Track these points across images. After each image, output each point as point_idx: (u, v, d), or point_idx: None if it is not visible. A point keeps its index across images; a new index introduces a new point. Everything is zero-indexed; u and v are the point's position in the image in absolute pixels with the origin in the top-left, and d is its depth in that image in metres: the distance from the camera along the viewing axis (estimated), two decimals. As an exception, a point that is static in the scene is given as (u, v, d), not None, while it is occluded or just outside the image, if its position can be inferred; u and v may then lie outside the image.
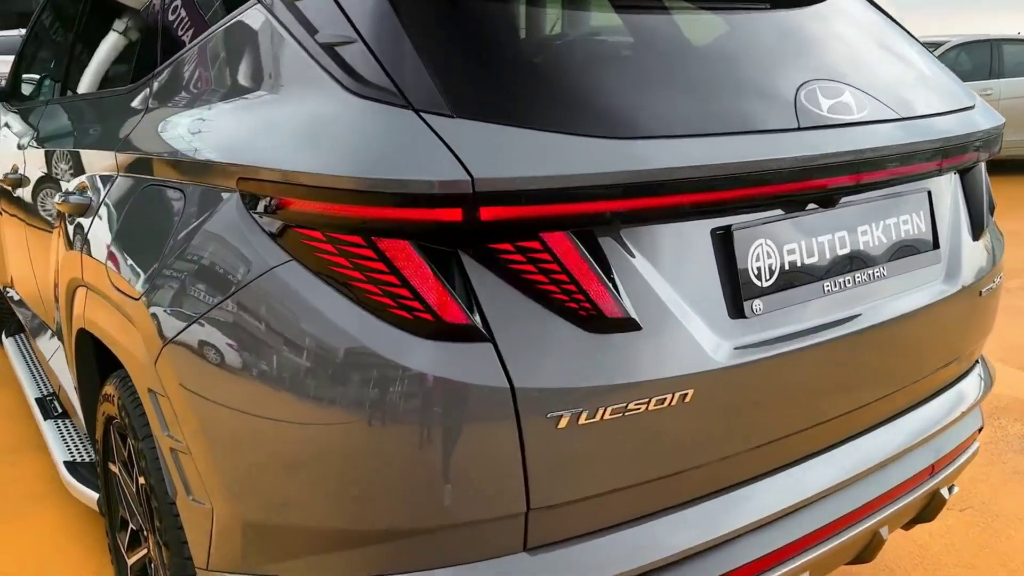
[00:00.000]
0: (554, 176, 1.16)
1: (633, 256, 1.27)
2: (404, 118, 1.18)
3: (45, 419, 2.74)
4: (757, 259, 1.38)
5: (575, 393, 1.20)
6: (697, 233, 1.34)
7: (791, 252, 1.43)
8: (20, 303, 3.26)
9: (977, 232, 1.81)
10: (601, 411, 1.22)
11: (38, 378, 3.06)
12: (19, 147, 2.89)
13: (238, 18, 1.53)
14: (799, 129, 1.39)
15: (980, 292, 1.78)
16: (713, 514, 1.40)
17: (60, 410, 2.77)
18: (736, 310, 1.36)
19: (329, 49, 1.30)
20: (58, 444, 2.55)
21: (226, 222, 1.33)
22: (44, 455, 2.76)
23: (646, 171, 1.21)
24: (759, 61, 1.51)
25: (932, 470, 1.77)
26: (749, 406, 1.38)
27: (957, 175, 1.81)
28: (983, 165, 1.89)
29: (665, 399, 1.26)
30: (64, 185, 2.18)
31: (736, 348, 1.34)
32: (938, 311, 1.65)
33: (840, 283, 1.49)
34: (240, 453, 1.30)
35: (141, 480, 1.66)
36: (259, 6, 1.47)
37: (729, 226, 1.35)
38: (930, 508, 1.83)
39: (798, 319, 1.43)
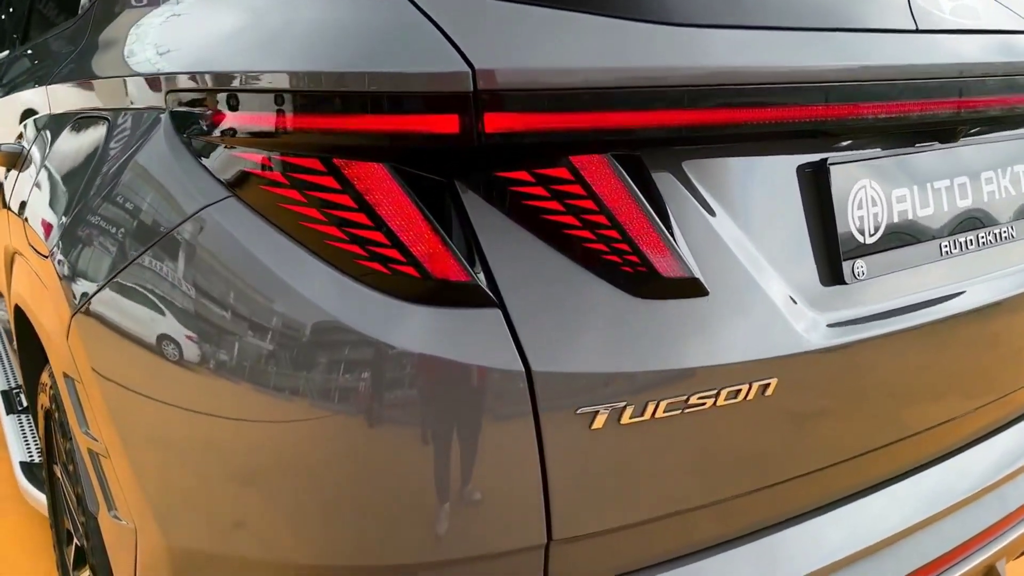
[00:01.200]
0: (589, 70, 0.82)
1: (698, 196, 0.93)
2: None
3: (7, 414, 2.44)
4: (859, 207, 1.03)
5: (616, 380, 0.86)
6: (779, 170, 1.00)
7: (901, 200, 1.08)
8: None
9: None
10: (652, 406, 0.87)
11: (7, 370, 2.77)
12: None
13: None
14: (916, 31, 1.04)
15: None
16: (790, 550, 1.05)
17: (25, 405, 2.47)
18: (832, 274, 1.01)
19: None
20: (17, 442, 2.25)
21: (152, 152, 1.01)
22: (5, 455, 2.47)
23: (718, 71, 0.87)
24: None
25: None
26: (847, 403, 1.03)
27: None
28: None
29: (739, 391, 0.92)
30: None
31: (832, 325, 0.99)
32: None
33: (961, 244, 1.14)
34: (164, 458, 0.98)
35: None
36: None
37: (824, 160, 1.01)
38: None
39: (911, 288, 1.08)
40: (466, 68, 0.78)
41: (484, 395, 0.83)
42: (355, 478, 0.85)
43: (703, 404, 0.90)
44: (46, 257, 1.17)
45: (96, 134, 1.18)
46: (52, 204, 1.25)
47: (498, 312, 0.83)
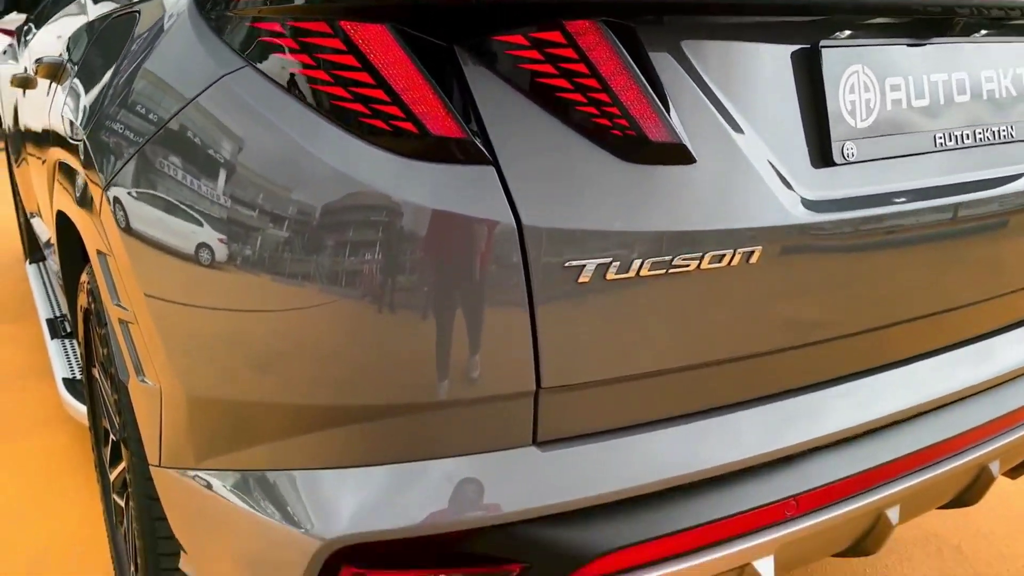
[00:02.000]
0: None
1: (693, 72, 0.97)
2: None
3: (52, 338, 2.57)
4: (851, 91, 1.06)
5: (603, 237, 0.91)
6: (775, 55, 1.04)
7: (895, 88, 1.10)
8: (39, 225, 3.11)
9: None
10: (637, 264, 0.92)
11: (52, 300, 2.90)
12: (28, 45, 2.71)
13: None
14: None
15: None
16: (774, 422, 1.09)
17: (68, 330, 2.60)
18: (822, 155, 1.05)
19: None
20: (60, 362, 2.37)
21: (176, 34, 1.08)
22: (51, 384, 2.61)
23: None
24: None
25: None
26: (833, 280, 1.06)
27: None
28: None
29: (724, 256, 0.96)
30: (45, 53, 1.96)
31: (820, 201, 1.03)
32: None
33: (957, 137, 1.16)
34: (185, 312, 1.05)
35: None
36: None
37: (817, 43, 1.04)
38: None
39: (902, 174, 1.11)
40: None
41: (477, 245, 0.89)
42: (361, 322, 0.91)
43: (687, 266, 0.95)
44: (79, 141, 1.25)
45: (127, 28, 1.25)
46: (87, 95, 1.33)
47: (492, 169, 0.89)
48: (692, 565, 1.05)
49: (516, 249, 0.89)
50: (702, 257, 0.95)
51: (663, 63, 0.95)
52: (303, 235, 0.91)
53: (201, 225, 0.99)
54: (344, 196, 0.90)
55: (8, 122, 3.18)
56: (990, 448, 1.30)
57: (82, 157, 1.26)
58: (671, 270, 0.94)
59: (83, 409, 2.03)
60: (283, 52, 0.92)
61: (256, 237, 0.94)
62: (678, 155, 0.94)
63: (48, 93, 1.76)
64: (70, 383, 2.22)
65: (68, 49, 1.66)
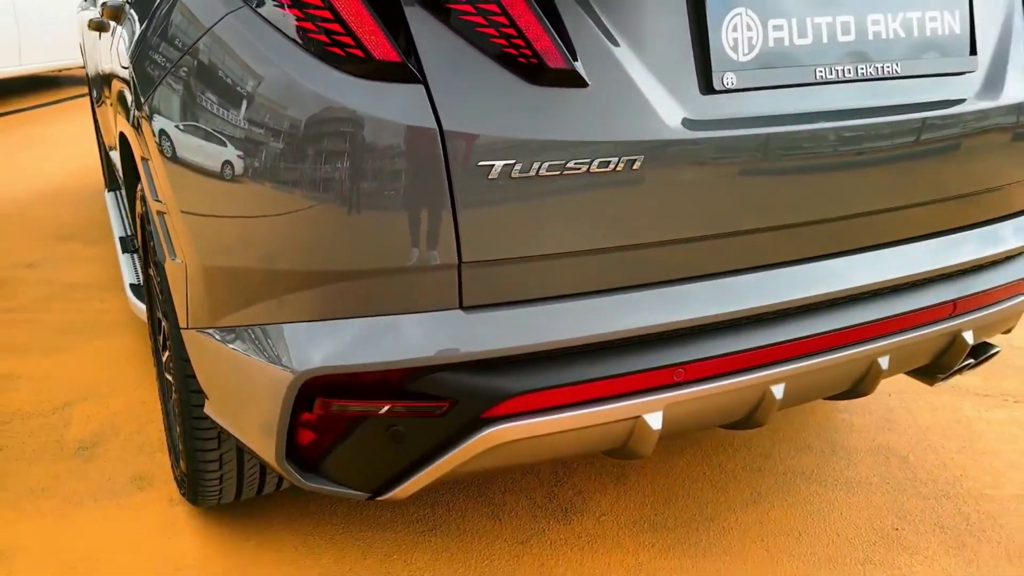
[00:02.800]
0: None
1: (591, 9, 1.21)
2: None
3: (123, 253, 2.95)
4: (734, 29, 1.29)
5: (508, 143, 1.17)
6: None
7: (778, 28, 1.32)
8: (114, 157, 3.50)
9: None
10: (536, 166, 1.18)
11: (124, 221, 3.29)
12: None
13: None
14: None
15: None
16: (664, 303, 1.34)
17: (135, 247, 2.97)
18: (706, 83, 1.28)
19: None
20: (128, 271, 2.75)
21: None
22: (120, 295, 3.00)
23: None
24: None
25: (952, 309, 1.63)
26: (713, 188, 1.30)
27: None
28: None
29: (610, 163, 1.21)
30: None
31: (700, 120, 1.27)
32: (964, 125, 1.50)
33: (837, 71, 1.37)
34: (198, 201, 1.35)
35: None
36: None
37: None
38: (950, 353, 1.69)
39: (780, 102, 1.33)
40: None
41: (409, 146, 1.16)
42: (317, 201, 1.19)
43: (578, 169, 1.20)
44: (127, 69, 1.57)
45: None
46: (136, 31, 1.64)
47: (422, 87, 1.15)
48: (591, 411, 1.32)
49: (439, 150, 1.15)
50: (591, 163, 1.20)
51: (565, 4, 1.19)
52: (280, 135, 1.20)
53: (209, 131, 1.29)
54: (311, 106, 1.18)
55: (90, 65, 3.55)
56: (875, 345, 1.52)
57: (130, 83, 1.58)
58: (565, 172, 1.19)
59: (143, 307, 2.40)
60: (272, -4, 1.20)
61: (249, 138, 1.23)
62: (572, 80, 1.19)
63: (112, 33, 2.08)
64: (135, 288, 2.60)
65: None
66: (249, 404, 1.38)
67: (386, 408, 1.27)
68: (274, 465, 1.37)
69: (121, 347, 2.85)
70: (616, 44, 1.22)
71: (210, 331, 1.42)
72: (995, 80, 1.54)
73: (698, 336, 1.38)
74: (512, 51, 1.17)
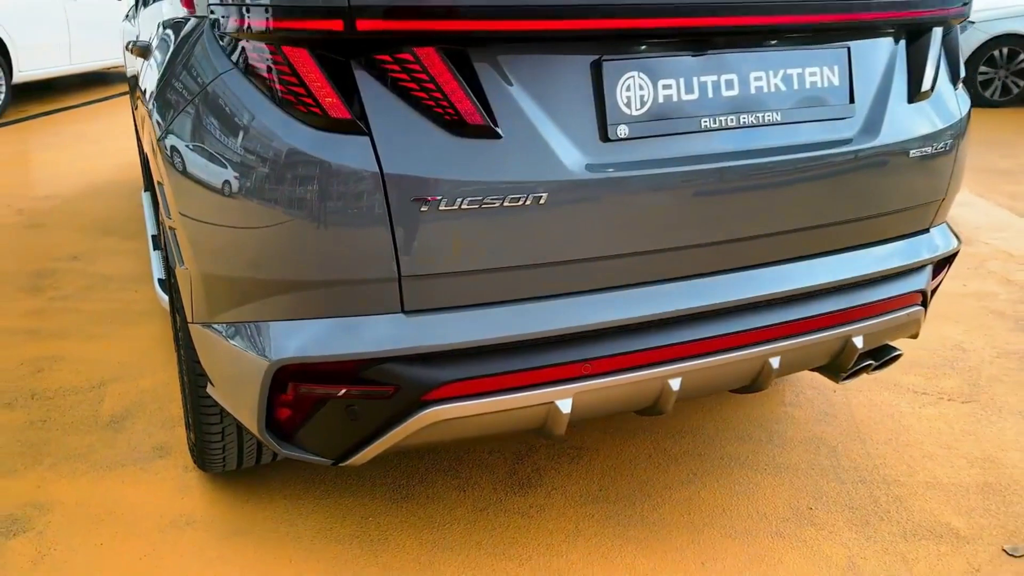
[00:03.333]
0: None
1: (506, 76, 1.50)
2: None
3: (154, 250, 3.31)
4: (627, 89, 1.57)
5: (436, 183, 1.47)
6: (577, 64, 1.55)
7: (667, 87, 1.60)
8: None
9: (914, 95, 1.86)
10: (459, 201, 1.48)
11: (156, 221, 3.66)
12: (140, 18, 3.41)
13: None
14: None
15: (908, 153, 1.85)
16: (573, 308, 1.63)
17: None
18: (603, 134, 1.57)
19: None
20: (157, 266, 3.10)
21: (203, 40, 1.68)
22: (151, 286, 3.36)
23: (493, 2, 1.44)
24: None
25: (839, 318, 1.89)
26: (610, 217, 1.58)
27: (903, 39, 1.87)
28: (939, 32, 1.92)
29: (520, 199, 1.51)
30: (141, 35, 2.63)
31: (596, 164, 1.55)
32: (845, 162, 1.76)
33: (721, 121, 1.64)
34: (196, 220, 1.68)
35: None
36: None
37: (600, 58, 1.55)
38: (842, 356, 1.95)
39: (668, 148, 1.61)
40: None
41: (358, 184, 1.46)
42: (287, 226, 1.51)
43: (494, 204, 1.50)
44: (150, 105, 1.90)
45: (177, 31, 1.87)
46: (155, 74, 1.97)
47: (368, 138, 1.46)
48: (511, 397, 1.62)
49: (381, 189, 1.46)
50: (504, 199, 1.50)
51: (484, 72, 1.49)
52: (259, 174, 1.51)
53: (206, 166, 1.61)
54: (282, 151, 1.49)
55: (129, 71, 3.90)
56: (765, 348, 1.80)
57: (151, 115, 1.91)
58: (483, 206, 1.49)
59: (167, 299, 2.75)
60: (251, 61, 1.52)
61: (235, 174, 1.55)
62: (488, 133, 1.48)
63: (141, 66, 2.42)
64: (162, 282, 2.95)
65: (151, 36, 2.31)
66: (239, 386, 1.70)
67: (343, 391, 1.59)
68: (258, 435, 1.69)
69: (150, 334, 3.22)
70: (526, 103, 1.51)
71: (209, 325, 1.75)
72: (873, 124, 1.80)
73: (604, 336, 1.67)
74: (439, 111, 1.47)
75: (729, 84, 1.65)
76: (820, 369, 2.05)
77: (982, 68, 8.44)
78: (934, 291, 2.28)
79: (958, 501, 2.26)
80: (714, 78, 1.64)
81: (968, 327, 3.35)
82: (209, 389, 1.89)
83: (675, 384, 1.74)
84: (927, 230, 2.05)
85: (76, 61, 8.65)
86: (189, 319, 1.84)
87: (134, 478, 2.31)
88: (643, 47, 1.58)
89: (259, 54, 1.50)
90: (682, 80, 1.61)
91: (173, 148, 1.71)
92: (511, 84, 1.51)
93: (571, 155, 1.54)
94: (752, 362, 1.82)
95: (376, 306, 1.56)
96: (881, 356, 2.12)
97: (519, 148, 1.51)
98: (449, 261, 1.53)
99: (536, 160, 1.52)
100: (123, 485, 2.28)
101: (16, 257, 4.10)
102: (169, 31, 2.01)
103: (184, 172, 1.67)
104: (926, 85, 1.88)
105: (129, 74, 3.72)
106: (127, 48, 3.57)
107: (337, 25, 1.42)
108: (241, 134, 1.54)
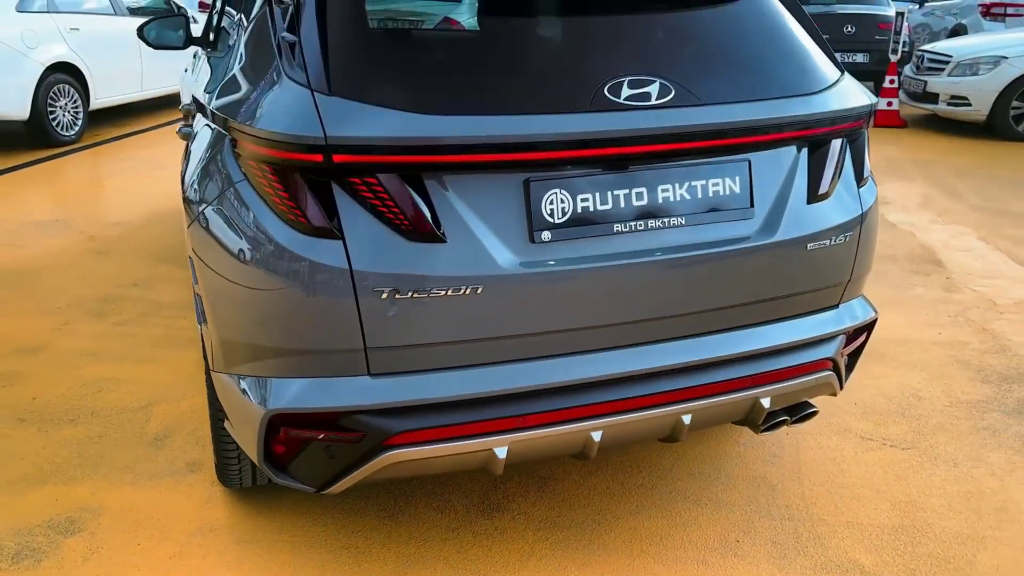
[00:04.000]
0: (381, 137, 1.82)
1: (452, 193, 1.90)
2: (304, 95, 1.88)
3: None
4: (551, 202, 1.96)
5: (393, 277, 1.88)
6: (510, 183, 1.95)
7: (585, 200, 1.98)
8: None
9: (813, 197, 2.20)
10: (411, 291, 1.89)
11: None
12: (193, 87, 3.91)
13: (259, 13, 2.30)
14: (589, 111, 1.93)
15: (807, 246, 2.19)
16: (509, 374, 2.02)
17: None
18: (531, 237, 1.96)
19: (283, 43, 2.02)
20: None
21: (224, 153, 2.12)
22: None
23: (437, 138, 1.84)
24: (581, 57, 2.04)
25: (749, 382, 2.23)
26: (539, 303, 1.97)
27: (805, 148, 2.21)
28: (839, 142, 2.25)
29: (461, 289, 1.91)
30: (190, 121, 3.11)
31: (525, 262, 1.94)
32: (744, 257, 2.11)
33: (631, 226, 2.02)
34: (213, 295, 2.12)
35: None
36: (267, 6, 2.22)
37: (528, 178, 1.94)
38: (752, 414, 2.30)
39: (586, 248, 1.99)
40: (323, 134, 1.81)
41: (332, 278, 1.88)
42: (279, 308, 1.93)
43: (440, 293, 1.90)
44: (184, 194, 2.36)
45: (210, 137, 2.32)
46: (190, 168, 2.43)
47: (341, 242, 1.87)
48: (456, 444, 2.02)
49: (350, 282, 1.87)
50: (448, 289, 1.90)
51: (434, 189, 1.89)
52: (260, 264, 1.94)
53: (220, 250, 2.05)
54: (277, 250, 1.91)
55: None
56: (676, 407, 2.16)
57: (185, 203, 2.36)
58: (431, 294, 1.90)
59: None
60: (257, 177, 1.95)
61: (240, 261, 1.98)
62: (435, 238, 1.89)
63: (186, 144, 2.89)
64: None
65: (193, 126, 2.78)
66: (244, 425, 2.13)
67: (322, 435, 2.01)
68: (259, 465, 2.12)
69: (193, 359, 3.71)
70: (468, 214, 1.91)
71: (224, 374, 2.19)
72: (772, 223, 2.15)
73: (536, 396, 2.05)
74: (397, 221, 1.87)
75: (639, 196, 2.02)
76: (737, 422, 2.39)
77: (1015, 103, 8.52)
78: (857, 353, 2.60)
79: (871, 540, 2.58)
80: (626, 191, 2.01)
81: (930, 376, 3.63)
82: (225, 423, 2.34)
83: (596, 436, 2.11)
84: (836, 306, 2.38)
85: (147, 88, 9.35)
86: (210, 366, 2.28)
87: (170, 489, 2.78)
88: (563, 169, 1.97)
89: (262, 173, 1.93)
90: (597, 194, 1.99)
91: (198, 236, 2.16)
92: (456, 199, 1.91)
93: (503, 255, 1.93)
94: (666, 419, 2.18)
95: (348, 370, 1.97)
96: (797, 412, 2.46)
97: (460, 249, 1.91)
98: (405, 337, 1.94)
99: (474, 259, 1.91)
100: (160, 495, 2.75)
101: (87, 283, 4.65)
102: (200, 136, 2.46)
103: (204, 256, 2.12)
104: (824, 188, 2.22)
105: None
106: (181, 109, 4.07)
107: (319, 158, 1.84)
108: (247, 233, 1.98)
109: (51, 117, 7.81)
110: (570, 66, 2.02)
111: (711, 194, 2.09)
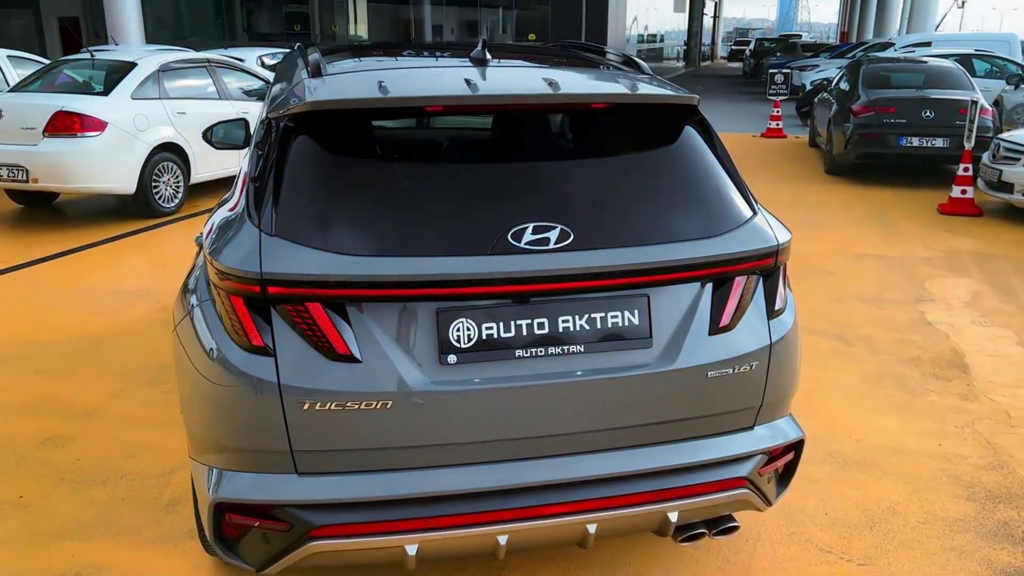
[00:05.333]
0: (305, 274, 2.16)
1: (369, 319, 2.21)
2: (254, 235, 2.25)
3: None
4: (457, 330, 2.23)
5: (314, 391, 2.19)
6: (422, 312, 2.24)
7: (489, 328, 2.25)
8: None
9: (715, 329, 2.39)
10: (329, 404, 2.19)
11: None
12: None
13: (249, 155, 2.71)
14: (490, 254, 2.21)
15: (707, 374, 2.37)
16: (427, 479, 2.28)
17: None
18: (438, 360, 2.23)
19: (250, 187, 2.41)
20: None
21: (200, 275, 2.51)
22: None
23: (358, 275, 2.16)
24: (491, 205, 2.32)
25: (656, 496, 2.41)
26: (444, 417, 2.24)
27: (710, 284, 2.41)
28: (743, 278, 2.44)
29: (372, 404, 2.20)
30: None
31: (433, 381, 2.22)
32: (643, 382, 2.32)
33: (533, 352, 2.26)
34: (183, 392, 2.48)
35: None
36: (253, 151, 2.63)
37: (437, 308, 2.23)
38: (660, 527, 2.46)
39: (487, 371, 2.24)
40: (259, 270, 2.16)
41: (265, 388, 2.21)
42: (221, 411, 2.28)
43: (355, 406, 2.19)
44: (177, 302, 2.76)
45: (201, 258, 2.73)
46: (185, 281, 2.83)
47: (272, 359, 2.21)
48: (371, 540, 2.28)
49: (278, 393, 2.20)
50: (361, 403, 2.19)
51: (354, 316, 2.20)
52: (211, 371, 2.29)
53: (186, 359, 2.42)
54: (223, 361, 2.26)
55: None
56: (581, 517, 2.35)
57: (173, 311, 2.77)
58: (346, 407, 2.19)
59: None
60: (217, 300, 2.32)
61: (195, 370, 2.34)
62: (351, 359, 2.19)
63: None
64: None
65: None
66: (203, 507, 2.47)
67: (258, 524, 2.32)
68: (212, 544, 2.45)
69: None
70: (382, 337, 2.21)
71: (193, 460, 2.54)
72: (671, 353, 2.35)
73: (446, 501, 2.30)
74: (319, 343, 2.19)
75: (540, 325, 2.27)
76: (655, 532, 2.55)
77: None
78: (790, 470, 2.73)
79: (795, 656, 2.65)
80: (528, 321, 2.27)
81: (913, 489, 3.63)
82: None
83: (503, 540, 2.33)
84: (751, 428, 2.53)
85: (242, 163, 10.19)
86: (188, 452, 2.64)
87: (166, 553, 3.14)
88: (470, 302, 2.25)
89: (220, 297, 2.30)
90: (501, 323, 2.26)
91: (176, 340, 2.55)
92: (373, 325, 2.22)
93: (412, 375, 2.22)
94: (571, 527, 2.38)
95: (279, 468, 2.28)
96: (716, 525, 2.60)
97: (374, 369, 2.20)
98: (326, 442, 2.24)
99: (386, 378, 2.20)
100: (158, 557, 3.11)
101: (150, 351, 5.19)
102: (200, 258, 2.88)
103: (178, 358, 2.50)
104: (726, 321, 2.40)
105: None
106: None
107: (256, 289, 2.19)
108: (205, 344, 2.34)
109: (154, 191, 8.65)
110: (479, 214, 2.32)
111: (610, 325, 2.32)
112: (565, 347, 2.29)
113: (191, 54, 10.02)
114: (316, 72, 2.68)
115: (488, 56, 2.74)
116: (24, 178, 8.03)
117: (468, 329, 2.25)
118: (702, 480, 2.46)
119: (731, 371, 2.41)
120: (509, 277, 2.21)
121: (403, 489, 2.28)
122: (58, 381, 4.71)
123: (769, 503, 2.65)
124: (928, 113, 10.44)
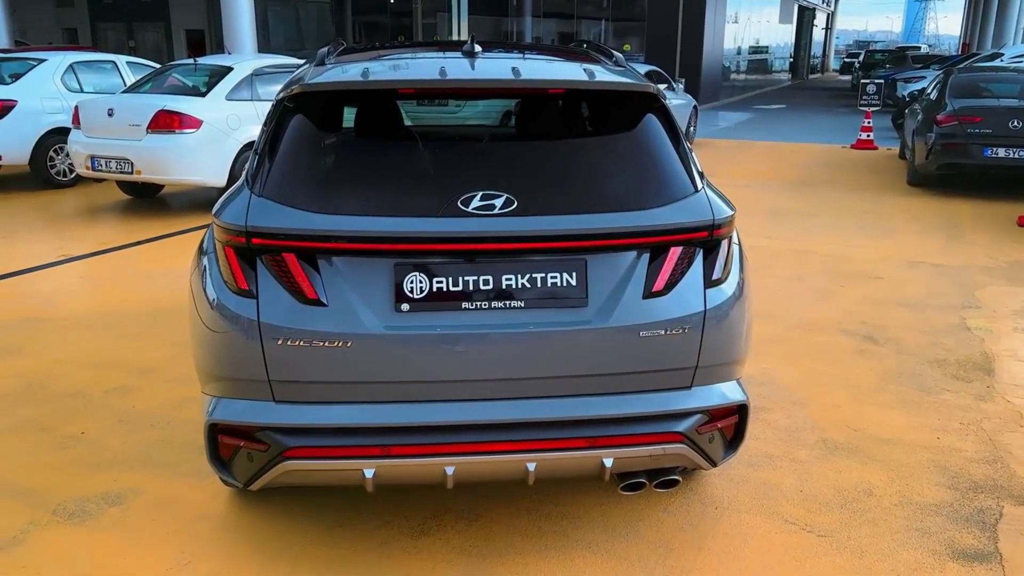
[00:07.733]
0: (281, 227, 2.54)
1: (336, 269, 2.57)
2: (246, 196, 2.65)
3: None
4: (410, 282, 2.56)
5: (287, 329, 2.56)
6: (382, 264, 2.58)
7: (439, 282, 2.56)
8: None
9: (648, 294, 2.63)
10: (299, 341, 2.56)
11: None
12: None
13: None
14: (440, 216, 2.53)
15: (639, 333, 2.62)
16: (384, 412, 2.61)
17: None
18: (394, 308, 2.57)
19: (252, 156, 2.82)
20: None
21: (211, 232, 2.94)
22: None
23: (326, 230, 2.52)
24: (446, 174, 2.63)
25: (591, 443, 2.66)
26: (398, 358, 2.57)
27: (647, 253, 2.65)
28: (679, 248, 2.66)
29: (335, 343, 2.55)
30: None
31: (388, 325, 2.56)
32: (577, 336, 2.59)
33: (478, 304, 2.57)
34: (191, 330, 2.90)
35: None
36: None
37: (393, 263, 2.56)
38: (599, 471, 2.70)
39: (437, 320, 2.56)
40: (244, 224, 2.55)
41: (246, 326, 2.60)
42: (211, 343, 2.68)
43: (320, 344, 2.55)
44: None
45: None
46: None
47: (255, 301, 2.59)
48: (335, 462, 2.64)
49: (257, 330, 2.58)
50: (326, 341, 2.54)
51: (323, 266, 2.56)
52: (209, 311, 2.70)
53: (194, 299, 2.84)
54: (218, 302, 2.67)
55: None
56: (521, 456, 2.63)
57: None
58: (313, 343, 2.55)
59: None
60: (217, 250, 2.73)
61: (200, 309, 2.75)
62: (318, 303, 2.55)
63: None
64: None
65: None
66: (202, 432, 2.88)
67: (242, 444, 2.71)
68: (209, 462, 2.85)
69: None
70: (347, 285, 2.56)
71: (202, 392, 2.95)
72: (605, 313, 2.60)
73: (400, 432, 2.63)
74: (292, 288, 2.56)
75: (486, 282, 2.57)
76: (597, 477, 2.79)
77: None
78: (737, 433, 2.92)
79: (730, 606, 2.84)
80: (474, 278, 2.57)
81: (896, 476, 3.71)
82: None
83: (450, 471, 2.64)
84: (688, 387, 2.75)
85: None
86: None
87: (193, 485, 3.58)
88: (423, 259, 2.57)
89: (218, 248, 2.71)
90: (450, 278, 2.57)
91: (190, 288, 2.99)
92: (339, 274, 2.57)
93: (370, 319, 2.56)
94: (512, 464, 2.66)
95: (260, 395, 2.67)
96: (657, 476, 2.83)
97: (338, 313, 2.56)
98: (297, 374, 2.61)
99: (347, 321, 2.55)
100: (184, 488, 3.56)
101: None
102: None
103: (189, 302, 2.93)
104: (659, 286, 2.64)
105: None
106: None
107: (242, 240, 2.59)
108: (206, 288, 2.76)
109: (243, 185, 9.37)
110: (435, 183, 2.65)
111: (549, 284, 2.59)
112: (508, 302, 2.58)
113: (285, 59, 10.76)
114: (320, 63, 3.08)
115: (477, 49, 3.07)
116: (129, 170, 8.88)
117: (421, 282, 2.57)
118: (636, 431, 2.69)
119: (663, 332, 2.64)
120: (456, 236, 2.53)
121: (362, 419, 2.62)
122: (130, 344, 5.31)
123: (713, 463, 2.86)
124: (1016, 123, 10.10)
